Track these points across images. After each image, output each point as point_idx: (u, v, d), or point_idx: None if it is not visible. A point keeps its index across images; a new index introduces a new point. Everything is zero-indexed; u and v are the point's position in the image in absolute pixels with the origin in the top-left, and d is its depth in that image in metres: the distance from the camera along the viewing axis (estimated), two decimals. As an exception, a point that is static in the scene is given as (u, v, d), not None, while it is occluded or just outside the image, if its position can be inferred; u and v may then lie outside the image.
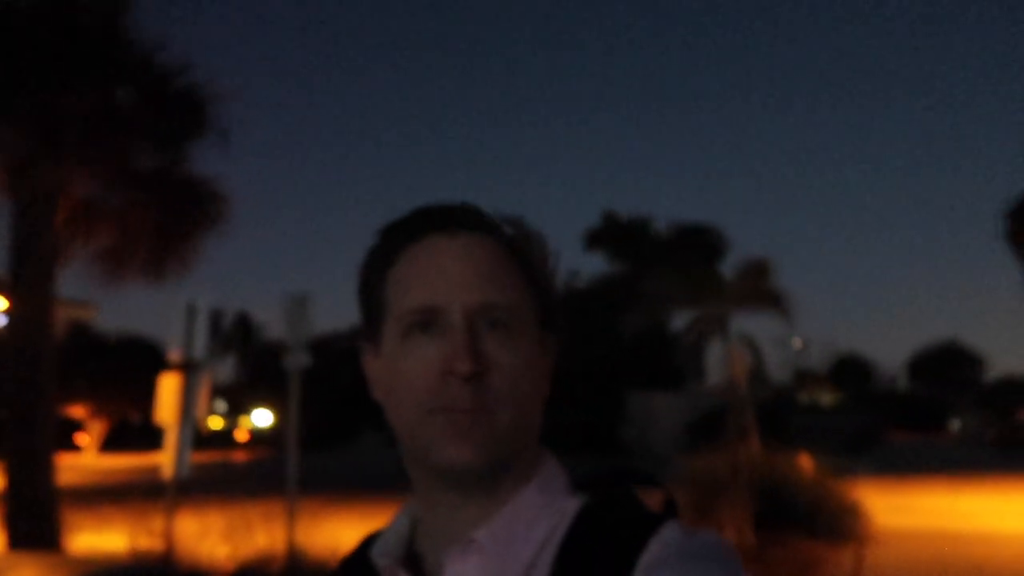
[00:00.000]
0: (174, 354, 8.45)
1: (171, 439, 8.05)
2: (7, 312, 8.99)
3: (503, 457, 0.73)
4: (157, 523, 7.48)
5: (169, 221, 10.07)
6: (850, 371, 63.50)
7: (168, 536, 7.15)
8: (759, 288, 15.02)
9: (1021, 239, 32.72)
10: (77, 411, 41.48)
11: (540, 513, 0.74)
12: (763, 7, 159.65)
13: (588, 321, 24.60)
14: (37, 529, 8.26)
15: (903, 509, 14.54)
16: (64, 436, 35.69)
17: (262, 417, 52.88)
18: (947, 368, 60.36)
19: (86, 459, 37.77)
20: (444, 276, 0.75)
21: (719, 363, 17.48)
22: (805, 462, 12.33)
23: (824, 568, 9.52)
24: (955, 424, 56.40)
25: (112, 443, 45.07)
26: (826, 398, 60.12)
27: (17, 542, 8.22)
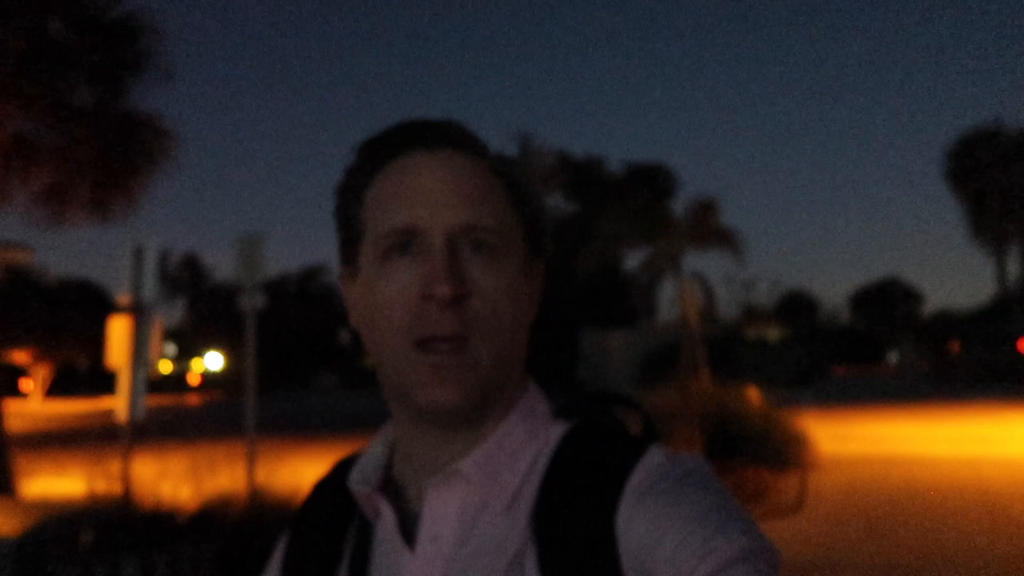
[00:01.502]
0: (123, 297, 8.23)
1: (124, 382, 7.91)
2: None
3: (488, 393, 0.71)
4: (113, 467, 7.42)
5: (111, 158, 9.68)
6: (796, 307, 65.36)
7: (125, 479, 7.09)
8: (708, 226, 15.29)
9: (961, 178, 33.79)
10: (20, 357, 40.43)
11: (524, 441, 0.73)
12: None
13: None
14: None
15: (843, 437, 15.23)
16: (7, 382, 34.85)
17: (213, 360, 52.24)
18: (887, 303, 62.60)
19: (31, 405, 36.98)
20: (424, 195, 0.71)
21: (671, 301, 17.90)
22: (752, 395, 12.79)
23: (771, 493, 9.97)
24: (894, 357, 58.84)
25: (57, 389, 44.22)
26: (773, 334, 61.96)
27: None
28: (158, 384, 43.97)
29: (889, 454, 13.26)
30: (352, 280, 0.77)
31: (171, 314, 59.10)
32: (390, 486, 0.76)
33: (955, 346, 41.83)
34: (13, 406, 26.65)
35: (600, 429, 0.73)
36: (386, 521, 0.74)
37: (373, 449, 0.78)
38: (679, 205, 21.43)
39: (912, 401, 25.74)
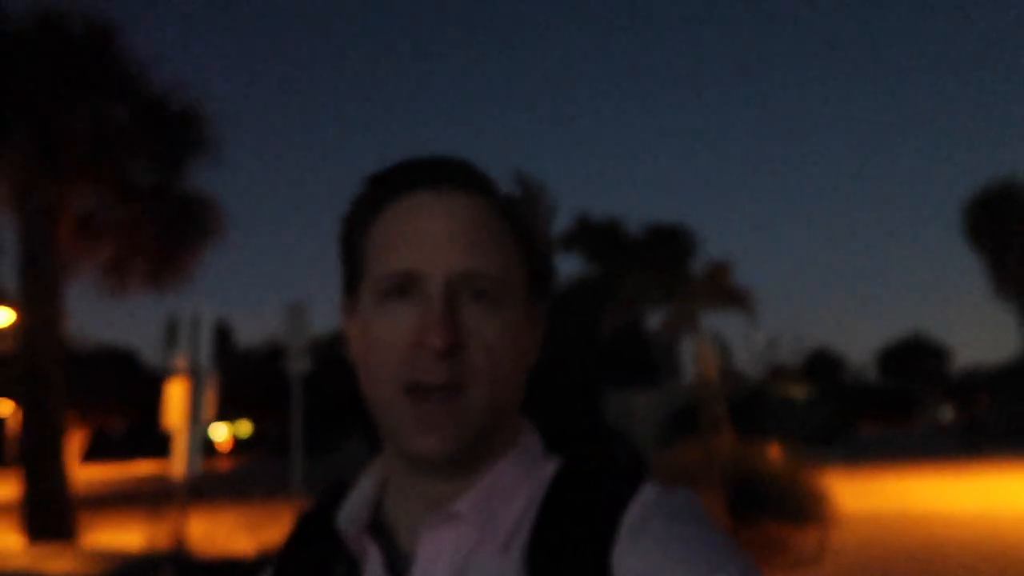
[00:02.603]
0: (180, 361, 8.94)
1: (180, 441, 8.53)
2: (15, 325, 9.42)
3: (477, 440, 0.69)
4: (170, 520, 7.96)
5: (168, 235, 10.54)
6: (821, 365, 65.01)
7: (182, 531, 7.63)
8: (722, 287, 15.91)
9: (979, 233, 34.03)
10: (56, 422, 41.21)
11: (518, 481, 0.72)
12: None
13: (566, 322, 25.26)
14: (55, 527, 8.74)
15: (866, 493, 15.38)
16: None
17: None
18: (913, 360, 62.08)
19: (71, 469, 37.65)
20: (426, 238, 0.69)
21: (691, 360, 18.29)
22: (774, 452, 13.13)
23: (791, 548, 10.24)
24: (921, 414, 58.06)
25: (92, 453, 44.87)
26: (798, 391, 61.54)
27: (37, 539, 8.69)
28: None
29: (910, 510, 13.41)
30: (352, 313, 0.75)
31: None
32: (378, 526, 0.75)
33: (983, 402, 41.39)
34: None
35: (592, 466, 0.72)
36: (374, 562, 0.72)
37: (362, 487, 0.77)
38: (699, 265, 22.16)
39: (938, 457, 25.59)
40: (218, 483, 23.26)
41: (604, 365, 24.88)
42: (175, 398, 8.79)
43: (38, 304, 9.43)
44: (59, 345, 9.53)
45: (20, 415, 9.36)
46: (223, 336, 64.42)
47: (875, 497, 15.10)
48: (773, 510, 11.31)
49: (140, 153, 9.90)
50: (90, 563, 6.63)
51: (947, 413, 50.18)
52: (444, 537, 0.70)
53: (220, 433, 56.84)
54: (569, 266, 34.97)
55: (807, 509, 11.76)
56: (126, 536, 9.19)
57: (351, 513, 0.75)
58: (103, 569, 5.60)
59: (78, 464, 41.83)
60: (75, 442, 43.20)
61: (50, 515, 8.97)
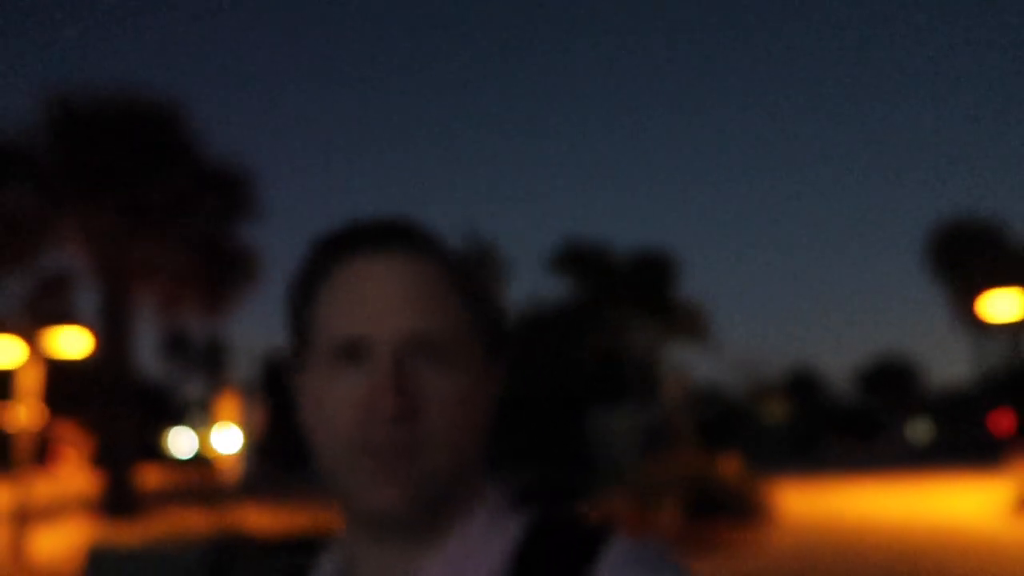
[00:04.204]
0: (231, 382, 11.17)
1: (236, 446, 10.65)
2: (95, 353, 11.50)
3: (435, 498, 0.67)
4: (226, 510, 9.94)
5: (215, 279, 12.63)
6: (801, 384, 67.44)
7: (238, 518, 9.64)
8: (693, 325, 18.27)
9: (940, 266, 36.27)
10: (63, 428, 43.04)
11: (485, 542, 0.70)
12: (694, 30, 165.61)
13: (553, 344, 27.30)
14: (130, 512, 10.84)
15: (815, 501, 17.51)
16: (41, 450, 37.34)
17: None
18: (887, 379, 64.65)
19: (72, 473, 39.45)
20: (372, 302, 0.67)
21: (664, 384, 20.51)
22: (731, 464, 15.29)
23: (735, 544, 12.27)
24: (892, 432, 60.60)
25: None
26: (776, 409, 63.90)
27: (116, 521, 10.74)
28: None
29: (847, 516, 15.51)
30: (301, 378, 0.73)
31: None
32: None
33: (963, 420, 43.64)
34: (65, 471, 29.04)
35: (561, 521, 0.72)
36: None
37: (329, 559, 0.76)
38: (683, 288, 24.44)
39: (895, 470, 27.77)
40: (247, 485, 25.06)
41: (587, 385, 26.92)
42: (230, 412, 10.93)
43: (113, 336, 11.50)
44: (129, 371, 11.61)
45: (93, 426, 11.44)
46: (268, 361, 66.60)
47: (821, 504, 17.23)
48: (724, 512, 13.44)
49: (198, 213, 12.00)
50: (163, 537, 8.51)
51: (918, 431, 52.56)
52: None
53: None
54: (555, 288, 36.94)
55: (752, 512, 13.88)
56: (188, 520, 11.17)
57: None
58: (175, 543, 7.49)
59: (87, 468, 43.67)
60: (83, 448, 45.15)
61: (126, 503, 11.16)
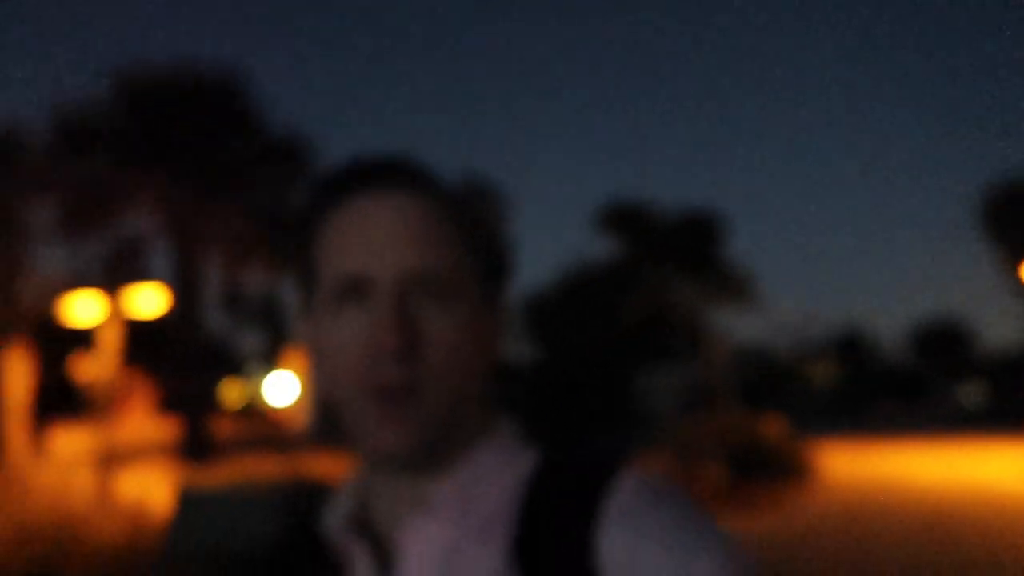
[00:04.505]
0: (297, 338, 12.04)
1: (302, 399, 11.40)
2: (171, 311, 12.47)
3: (439, 436, 0.70)
4: (295, 457, 10.60)
5: (276, 242, 13.33)
6: (852, 346, 66.71)
7: (306, 463, 10.32)
8: (738, 287, 18.46)
9: (994, 229, 35.21)
10: (131, 376, 45.26)
11: (496, 472, 0.72)
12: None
13: (600, 304, 27.66)
14: (207, 457, 11.84)
15: (859, 463, 17.72)
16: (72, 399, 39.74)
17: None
18: (941, 341, 63.50)
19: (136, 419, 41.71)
20: (374, 240, 0.69)
21: (707, 344, 20.76)
22: (775, 424, 15.59)
23: (777, 503, 12.64)
24: (945, 394, 59.77)
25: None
26: (827, 371, 63.51)
27: (194, 465, 11.75)
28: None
29: (891, 478, 15.71)
30: (307, 317, 0.75)
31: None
32: (364, 527, 0.75)
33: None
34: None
35: (572, 456, 0.73)
36: (361, 562, 0.73)
37: (346, 489, 0.78)
38: (731, 248, 24.68)
39: (938, 433, 27.67)
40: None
41: (632, 345, 27.29)
42: (296, 365, 11.63)
43: (184, 294, 12.33)
44: (200, 328, 12.48)
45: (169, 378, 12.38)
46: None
47: (866, 465, 17.46)
48: (766, 472, 13.80)
49: (259, 180, 12.67)
50: (243, 481, 9.18)
51: (970, 394, 51.72)
52: (425, 532, 0.70)
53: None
54: (600, 248, 37.02)
55: (794, 472, 14.22)
56: (259, 466, 12.00)
57: (337, 514, 0.76)
58: (257, 486, 8.10)
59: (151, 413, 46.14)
60: (147, 393, 47.67)
61: (201, 449, 12.23)
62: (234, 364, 45.34)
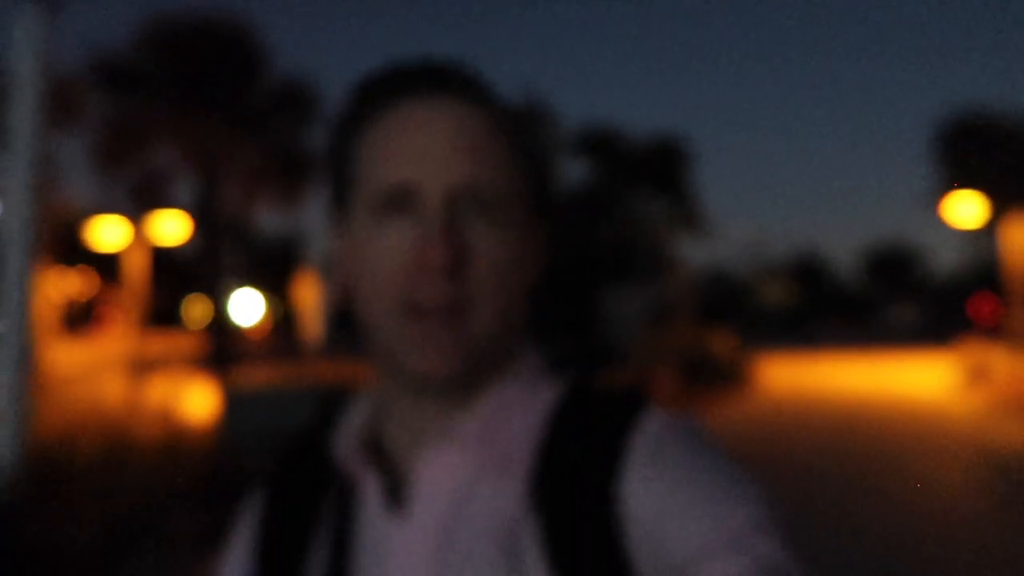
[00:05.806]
0: (311, 264, 13.56)
1: (317, 319, 13.12)
2: (194, 237, 13.99)
3: (481, 361, 0.66)
4: (312, 366, 12.22)
5: (284, 177, 14.85)
6: (807, 269, 69.99)
7: (323, 371, 11.99)
8: (694, 218, 20.50)
9: (946, 161, 37.16)
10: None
11: (520, 404, 0.69)
12: None
13: (572, 226, 29.41)
14: (230, 368, 13.61)
15: (800, 372, 20.09)
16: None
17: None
18: (891, 265, 67.07)
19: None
20: (422, 149, 0.64)
21: (668, 268, 22.91)
22: (725, 338, 17.79)
23: (725, 406, 14.80)
24: (890, 313, 63.65)
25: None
26: (781, 291, 66.92)
27: (218, 375, 13.50)
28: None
29: (824, 385, 18.09)
30: (341, 233, 0.70)
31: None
32: (375, 452, 0.71)
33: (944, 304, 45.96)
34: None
35: (596, 388, 0.70)
36: (371, 488, 0.69)
37: (357, 410, 0.73)
38: (692, 180, 26.55)
39: (874, 348, 30.47)
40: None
41: (601, 266, 29.25)
42: (310, 287, 13.34)
43: (211, 218, 13.88)
44: (223, 250, 14.05)
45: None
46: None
47: (804, 376, 19.89)
48: (714, 380, 16.03)
49: (273, 120, 14.03)
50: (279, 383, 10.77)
51: (904, 314, 55.32)
52: (444, 461, 0.66)
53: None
54: (573, 173, 38.39)
55: (739, 380, 16.50)
56: (278, 374, 13.76)
57: (347, 437, 0.71)
58: (292, 386, 9.45)
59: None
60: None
61: (228, 359, 13.98)
62: (206, 282, 45.80)
